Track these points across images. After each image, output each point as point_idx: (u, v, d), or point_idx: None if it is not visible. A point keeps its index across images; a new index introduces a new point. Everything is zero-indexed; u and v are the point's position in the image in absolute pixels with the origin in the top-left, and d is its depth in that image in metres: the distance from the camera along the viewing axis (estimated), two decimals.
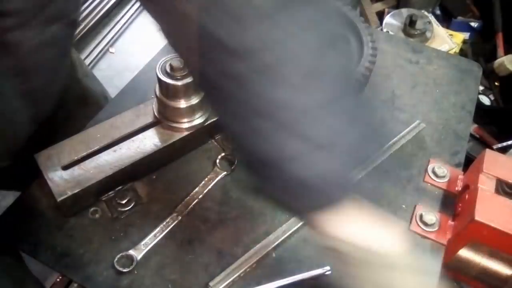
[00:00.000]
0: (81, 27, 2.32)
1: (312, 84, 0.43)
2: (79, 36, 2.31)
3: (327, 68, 0.45)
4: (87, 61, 2.30)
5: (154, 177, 0.81)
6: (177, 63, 0.73)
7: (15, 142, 0.66)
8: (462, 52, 2.04)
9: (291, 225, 0.74)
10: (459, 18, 2.21)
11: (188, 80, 0.73)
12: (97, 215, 0.75)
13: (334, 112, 0.44)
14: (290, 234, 0.74)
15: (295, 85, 0.43)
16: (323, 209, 0.48)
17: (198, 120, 0.80)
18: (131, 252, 0.71)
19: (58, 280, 1.18)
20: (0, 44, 0.51)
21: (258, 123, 0.43)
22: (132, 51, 2.36)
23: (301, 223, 0.74)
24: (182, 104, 0.76)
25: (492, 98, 1.98)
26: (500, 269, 0.76)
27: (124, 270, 0.69)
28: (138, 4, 2.40)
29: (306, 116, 0.43)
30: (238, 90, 0.43)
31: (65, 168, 0.73)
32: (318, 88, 0.44)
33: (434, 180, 0.83)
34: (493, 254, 0.76)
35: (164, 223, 0.74)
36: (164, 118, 0.79)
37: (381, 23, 2.03)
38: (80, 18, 2.30)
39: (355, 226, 0.50)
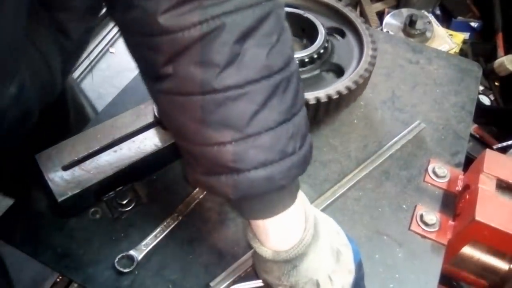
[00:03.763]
0: None
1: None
2: None
3: None
4: (87, 61, 2.30)
5: (155, 177, 0.81)
6: None
7: None
8: (462, 52, 2.04)
9: None
10: (459, 18, 2.21)
11: None
12: (97, 216, 0.75)
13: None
14: None
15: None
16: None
17: None
18: (131, 252, 0.70)
19: (58, 280, 1.18)
20: None
21: None
22: None
23: None
24: None
25: (492, 98, 1.98)
26: (499, 264, 0.76)
27: (125, 271, 0.69)
28: None
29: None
30: None
31: (66, 168, 0.73)
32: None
33: (435, 180, 0.83)
34: (493, 250, 0.76)
35: (165, 223, 0.74)
36: None
37: (381, 23, 2.03)
38: None
39: None
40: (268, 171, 0.48)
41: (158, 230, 0.74)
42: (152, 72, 0.49)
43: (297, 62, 0.52)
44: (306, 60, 0.87)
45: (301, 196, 0.55)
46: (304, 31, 0.94)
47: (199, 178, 0.51)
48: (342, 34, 0.95)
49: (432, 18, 2.00)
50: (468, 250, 0.76)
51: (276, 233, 0.53)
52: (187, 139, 0.50)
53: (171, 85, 0.47)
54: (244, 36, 0.45)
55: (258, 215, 0.53)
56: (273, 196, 0.50)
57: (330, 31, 0.96)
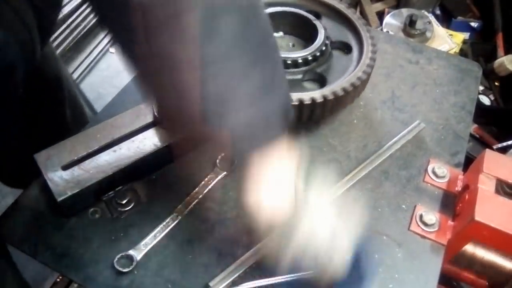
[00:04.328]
0: (81, 27, 2.32)
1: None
2: (79, 36, 2.31)
3: None
4: (87, 61, 2.30)
5: (154, 177, 0.81)
6: None
7: None
8: (462, 52, 2.04)
9: None
10: (459, 18, 2.21)
11: None
12: (97, 215, 0.75)
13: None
14: None
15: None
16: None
17: None
18: (131, 252, 0.71)
19: (58, 280, 1.18)
20: None
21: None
22: None
23: None
24: None
25: (492, 98, 1.98)
26: (503, 263, 0.76)
27: (124, 270, 0.69)
28: None
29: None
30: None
31: (65, 168, 0.73)
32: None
33: (434, 180, 0.83)
34: (495, 250, 0.76)
35: (164, 223, 0.74)
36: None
37: (381, 23, 2.04)
38: (81, 19, 2.30)
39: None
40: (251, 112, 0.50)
41: (157, 230, 0.74)
42: (129, 51, 0.50)
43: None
44: (289, 62, 0.86)
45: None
46: (311, 35, 0.93)
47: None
48: (349, 49, 0.94)
49: (432, 18, 2.00)
50: (471, 249, 0.76)
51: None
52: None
53: (149, 64, 0.48)
54: (218, 11, 0.46)
55: (249, 148, 0.55)
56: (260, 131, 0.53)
57: (338, 45, 0.94)
